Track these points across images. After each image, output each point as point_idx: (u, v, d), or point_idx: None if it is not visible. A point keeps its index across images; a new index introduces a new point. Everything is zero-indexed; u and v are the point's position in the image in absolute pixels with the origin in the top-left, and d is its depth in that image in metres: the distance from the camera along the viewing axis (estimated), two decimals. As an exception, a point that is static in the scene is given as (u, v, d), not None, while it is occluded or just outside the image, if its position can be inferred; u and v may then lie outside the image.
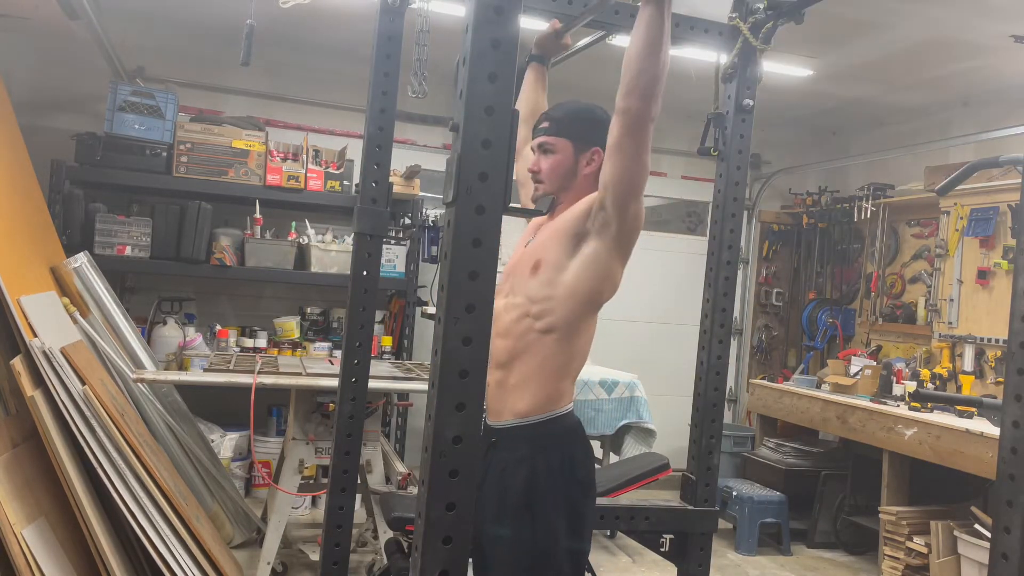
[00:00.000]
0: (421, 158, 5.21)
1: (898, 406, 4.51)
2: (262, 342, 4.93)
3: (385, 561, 3.35)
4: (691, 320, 2.93)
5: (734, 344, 6.44)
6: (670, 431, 5.18)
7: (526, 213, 2.10)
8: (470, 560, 1.87)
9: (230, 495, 4.09)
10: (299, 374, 3.54)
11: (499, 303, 2.00)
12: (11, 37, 4.66)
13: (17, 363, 2.96)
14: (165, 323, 4.78)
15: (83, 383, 3.06)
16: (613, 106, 1.80)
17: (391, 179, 2.53)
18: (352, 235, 2.53)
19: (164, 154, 4.62)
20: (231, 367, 3.62)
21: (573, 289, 1.89)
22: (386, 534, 3.49)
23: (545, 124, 2.04)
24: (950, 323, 4.85)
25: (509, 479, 1.87)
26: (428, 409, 1.16)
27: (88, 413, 3.02)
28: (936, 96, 5.13)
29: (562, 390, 1.93)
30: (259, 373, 3.44)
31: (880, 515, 4.42)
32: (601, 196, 1.85)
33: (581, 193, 1.98)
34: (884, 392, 4.78)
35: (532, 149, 2.07)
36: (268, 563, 3.47)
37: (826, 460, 5.16)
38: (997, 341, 4.53)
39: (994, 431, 3.67)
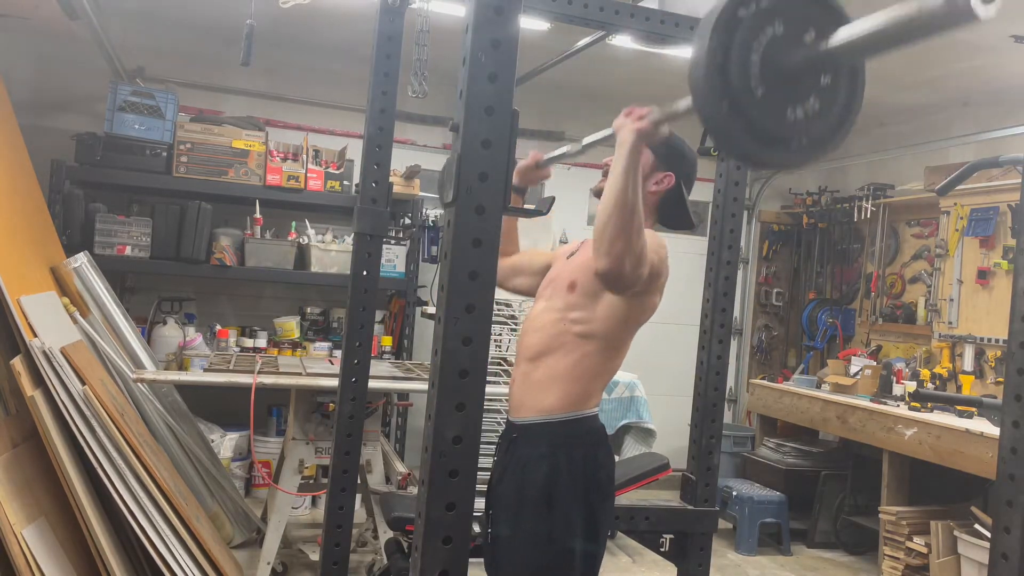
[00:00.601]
0: (421, 158, 5.21)
1: (898, 406, 4.51)
2: (262, 342, 4.93)
3: (385, 561, 3.35)
4: (691, 320, 2.93)
5: (734, 344, 6.44)
6: (670, 431, 5.17)
7: (526, 213, 2.10)
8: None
9: (230, 495, 4.09)
10: (299, 374, 3.54)
11: (539, 305, 2.04)
12: (11, 37, 4.66)
13: (17, 363, 2.96)
14: (165, 323, 4.78)
15: (83, 383, 3.05)
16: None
17: (391, 179, 2.53)
18: (352, 235, 2.53)
19: (164, 154, 4.62)
20: (231, 367, 3.62)
21: (610, 314, 1.93)
22: (386, 534, 3.48)
23: None
24: (950, 323, 4.85)
25: (530, 475, 1.87)
26: (428, 409, 1.16)
27: (88, 413, 3.02)
28: (936, 96, 5.12)
29: (591, 391, 1.95)
30: (259, 373, 3.43)
31: (880, 515, 4.42)
32: None
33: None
34: (884, 392, 4.78)
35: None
36: (268, 563, 3.47)
37: (826, 460, 5.16)
38: (997, 341, 4.53)
39: (994, 431, 3.67)
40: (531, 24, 3.78)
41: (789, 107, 1.12)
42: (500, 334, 4.57)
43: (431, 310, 4.98)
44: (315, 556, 3.91)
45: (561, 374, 1.91)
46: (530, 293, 2.30)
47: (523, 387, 1.96)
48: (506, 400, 2.10)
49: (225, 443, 4.70)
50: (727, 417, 6.29)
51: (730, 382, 6.46)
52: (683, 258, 6.11)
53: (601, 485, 1.91)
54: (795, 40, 1.11)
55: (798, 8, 1.12)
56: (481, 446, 1.17)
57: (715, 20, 1.09)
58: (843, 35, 1.07)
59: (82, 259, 3.99)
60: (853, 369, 5.22)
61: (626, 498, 3.29)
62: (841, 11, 1.13)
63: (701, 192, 6.69)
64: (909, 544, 4.23)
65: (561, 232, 5.35)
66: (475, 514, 1.24)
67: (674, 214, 2.06)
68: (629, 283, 1.73)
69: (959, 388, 4.64)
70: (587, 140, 1.90)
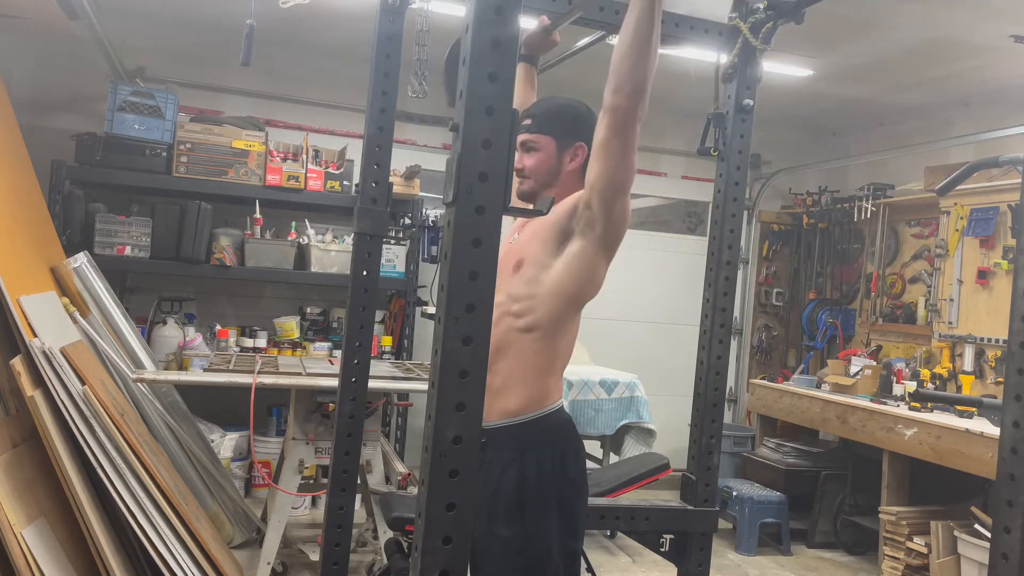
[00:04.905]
0: (421, 158, 5.21)
1: (898, 406, 4.51)
2: (262, 342, 4.93)
3: (385, 561, 3.35)
4: (691, 320, 2.93)
5: (734, 344, 6.44)
6: (670, 431, 5.18)
7: (526, 213, 2.10)
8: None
9: (230, 495, 4.09)
10: (299, 374, 3.54)
11: None
12: (11, 37, 4.65)
13: (17, 363, 2.96)
14: (165, 323, 4.78)
15: (83, 383, 3.06)
16: (601, 103, 1.79)
17: (391, 179, 2.53)
18: (352, 235, 2.53)
19: (164, 154, 4.62)
20: (231, 367, 3.62)
21: (556, 288, 1.88)
22: (386, 534, 3.49)
23: (527, 122, 2.03)
24: (950, 323, 4.85)
25: (500, 480, 1.85)
26: (428, 409, 1.16)
27: (88, 413, 3.02)
28: (936, 96, 5.13)
29: (548, 387, 1.92)
30: (259, 373, 3.43)
31: (880, 515, 4.42)
32: (587, 195, 1.84)
33: (566, 189, 1.97)
34: (884, 392, 4.78)
35: (515, 147, 2.07)
36: (268, 563, 3.47)
37: (826, 460, 5.16)
38: (997, 341, 4.53)
39: (994, 431, 3.67)
40: (531, 24, 3.77)
41: None
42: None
43: (431, 310, 4.99)
44: (315, 556, 3.91)
45: (516, 377, 1.88)
46: None
47: (485, 394, 1.95)
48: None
49: (225, 443, 4.69)
50: (727, 417, 6.29)
51: (730, 382, 6.46)
52: (683, 258, 6.14)
53: (573, 482, 1.89)
54: None
55: None
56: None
57: None
58: None
59: (82, 259, 3.99)
60: (853, 369, 5.22)
61: (626, 498, 3.30)
62: None
63: (701, 192, 6.68)
64: (909, 544, 4.23)
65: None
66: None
67: None
68: (635, 131, 1.76)
69: (959, 388, 4.64)
70: None
